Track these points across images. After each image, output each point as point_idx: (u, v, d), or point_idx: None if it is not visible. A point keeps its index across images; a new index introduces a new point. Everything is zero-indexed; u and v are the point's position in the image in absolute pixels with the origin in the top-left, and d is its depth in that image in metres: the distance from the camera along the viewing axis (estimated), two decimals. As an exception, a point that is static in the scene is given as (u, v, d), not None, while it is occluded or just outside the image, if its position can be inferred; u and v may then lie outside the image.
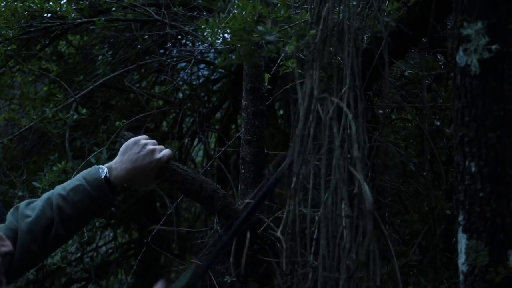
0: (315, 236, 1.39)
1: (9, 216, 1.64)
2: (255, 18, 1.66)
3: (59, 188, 1.68)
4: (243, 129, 2.21)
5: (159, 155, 1.72)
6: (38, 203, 1.65)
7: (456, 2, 1.33)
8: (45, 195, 1.67)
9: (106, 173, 1.68)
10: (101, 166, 1.71)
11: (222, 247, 1.65)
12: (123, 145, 1.74)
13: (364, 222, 1.22)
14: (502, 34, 1.29)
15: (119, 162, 1.71)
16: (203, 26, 1.83)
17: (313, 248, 1.39)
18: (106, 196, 1.67)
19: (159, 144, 1.77)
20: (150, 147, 1.72)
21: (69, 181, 1.71)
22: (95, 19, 3.07)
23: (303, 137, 1.39)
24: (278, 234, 1.38)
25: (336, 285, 1.28)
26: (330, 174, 1.34)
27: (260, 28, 1.60)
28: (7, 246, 1.49)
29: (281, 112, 4.48)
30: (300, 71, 1.50)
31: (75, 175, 2.67)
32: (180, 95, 3.92)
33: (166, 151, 1.74)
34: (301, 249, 1.37)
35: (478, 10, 1.30)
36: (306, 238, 1.38)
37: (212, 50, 3.20)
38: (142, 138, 1.74)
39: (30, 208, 1.64)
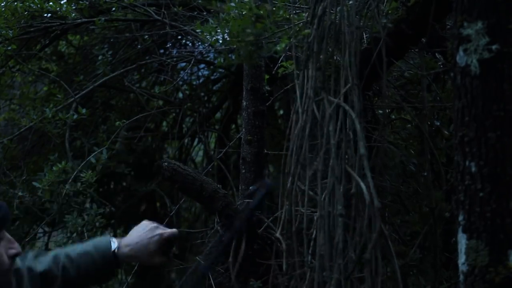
0: (313, 236, 1.39)
1: (18, 261, 1.66)
2: (253, 19, 1.65)
3: (68, 249, 1.71)
4: (243, 129, 2.21)
5: (161, 230, 1.72)
6: (47, 258, 1.68)
7: (456, 2, 1.33)
8: (53, 252, 1.71)
9: (116, 247, 1.70)
10: (113, 239, 1.73)
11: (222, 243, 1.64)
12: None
13: (362, 221, 1.21)
14: (502, 34, 1.29)
15: (128, 240, 1.73)
16: (198, 31, 1.83)
17: (310, 248, 1.39)
18: (111, 270, 1.70)
19: (159, 145, 1.77)
20: (153, 225, 1.73)
21: (80, 244, 1.74)
22: (95, 19, 3.07)
23: (299, 137, 1.39)
24: (277, 235, 1.38)
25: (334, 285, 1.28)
26: (327, 175, 1.34)
27: (248, 30, 1.60)
28: (16, 248, 1.52)
29: (281, 112, 4.48)
30: (297, 71, 1.50)
31: (74, 174, 2.70)
32: (180, 95, 3.92)
33: (170, 230, 1.75)
34: (299, 249, 1.37)
35: (478, 10, 1.30)
36: (303, 238, 1.38)
37: (212, 50, 3.20)
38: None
39: (37, 262, 1.67)
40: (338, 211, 1.25)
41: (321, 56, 1.42)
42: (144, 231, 1.72)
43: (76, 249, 1.70)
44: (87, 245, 1.71)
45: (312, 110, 1.37)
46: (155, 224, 1.74)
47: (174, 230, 1.75)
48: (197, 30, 1.84)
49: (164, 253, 1.74)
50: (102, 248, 1.69)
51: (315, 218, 1.38)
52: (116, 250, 1.70)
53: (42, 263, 1.66)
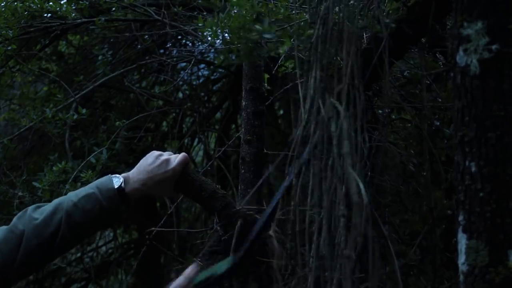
0: (314, 236, 1.39)
1: (15, 219, 1.64)
2: (254, 16, 1.65)
3: (71, 195, 1.67)
4: (243, 129, 2.21)
5: (173, 165, 1.70)
6: (48, 207, 1.64)
7: (456, 2, 1.33)
8: (56, 200, 1.67)
9: (121, 183, 1.67)
10: (117, 175, 1.69)
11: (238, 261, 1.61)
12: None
13: (356, 219, 1.21)
14: (502, 34, 1.29)
15: (136, 173, 1.69)
16: (200, 25, 1.83)
17: (311, 249, 1.38)
18: (117, 208, 1.65)
19: (159, 145, 1.76)
20: (164, 157, 1.70)
21: (82, 188, 1.69)
22: (95, 19, 3.07)
23: (303, 137, 1.39)
24: (271, 233, 1.37)
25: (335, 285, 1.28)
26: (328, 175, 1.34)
27: (257, 27, 1.60)
28: None
29: (281, 112, 4.48)
30: (299, 71, 1.50)
31: (74, 174, 2.70)
32: (180, 95, 3.92)
33: (180, 158, 1.72)
34: (298, 249, 1.37)
35: (478, 10, 1.30)
36: (303, 238, 1.38)
37: (212, 50, 3.20)
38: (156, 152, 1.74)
39: (39, 212, 1.63)
40: (340, 212, 1.25)
41: (324, 56, 1.42)
42: (155, 164, 1.68)
43: (79, 194, 1.64)
44: (89, 187, 1.66)
45: (316, 111, 1.37)
46: (165, 157, 1.71)
47: (184, 159, 1.72)
48: (199, 24, 1.84)
49: (176, 188, 1.72)
50: (105, 188, 1.64)
51: (308, 217, 1.38)
52: (122, 185, 1.66)
53: (44, 212, 1.63)
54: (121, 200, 1.66)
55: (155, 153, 1.72)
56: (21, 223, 1.61)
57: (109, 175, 1.70)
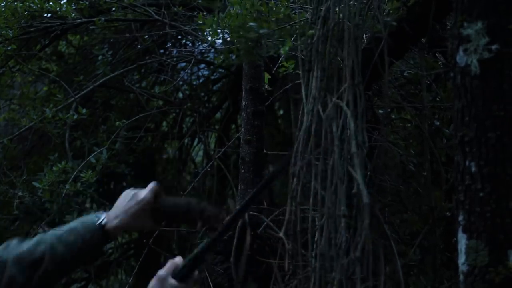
0: (316, 237, 1.39)
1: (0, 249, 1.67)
2: (254, 15, 1.66)
3: (56, 230, 1.71)
4: (243, 129, 2.21)
5: (143, 194, 1.71)
6: (32, 240, 1.68)
7: (456, 2, 1.34)
8: (39, 235, 1.71)
9: (103, 219, 1.70)
10: (101, 212, 1.73)
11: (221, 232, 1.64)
12: None
13: (361, 219, 1.21)
14: (502, 34, 1.29)
15: (113, 212, 1.73)
16: (200, 22, 1.83)
17: (314, 250, 1.38)
18: (98, 242, 1.69)
19: (159, 145, 1.76)
20: (135, 191, 1.73)
21: (67, 224, 1.74)
22: (95, 19, 3.07)
23: (304, 137, 1.39)
24: (281, 234, 1.37)
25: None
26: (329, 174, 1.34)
27: (252, 24, 1.60)
28: None
29: (281, 112, 4.48)
30: (299, 71, 1.50)
31: (74, 174, 2.70)
32: (180, 95, 3.92)
33: (149, 186, 1.72)
34: (301, 249, 1.37)
35: (478, 10, 1.30)
36: (306, 238, 1.38)
37: (212, 50, 3.20)
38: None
39: (23, 243, 1.67)
40: (342, 212, 1.25)
41: (325, 57, 1.42)
42: (127, 199, 1.71)
43: (62, 228, 1.69)
44: (74, 223, 1.71)
45: (317, 111, 1.37)
46: (136, 191, 1.73)
47: (154, 186, 1.72)
48: (199, 21, 1.84)
49: (155, 220, 1.74)
50: (88, 223, 1.68)
51: (315, 218, 1.38)
52: (103, 222, 1.69)
53: (27, 244, 1.65)
54: (103, 236, 1.69)
55: (128, 190, 1.75)
56: (5, 253, 1.64)
57: (96, 212, 1.74)
